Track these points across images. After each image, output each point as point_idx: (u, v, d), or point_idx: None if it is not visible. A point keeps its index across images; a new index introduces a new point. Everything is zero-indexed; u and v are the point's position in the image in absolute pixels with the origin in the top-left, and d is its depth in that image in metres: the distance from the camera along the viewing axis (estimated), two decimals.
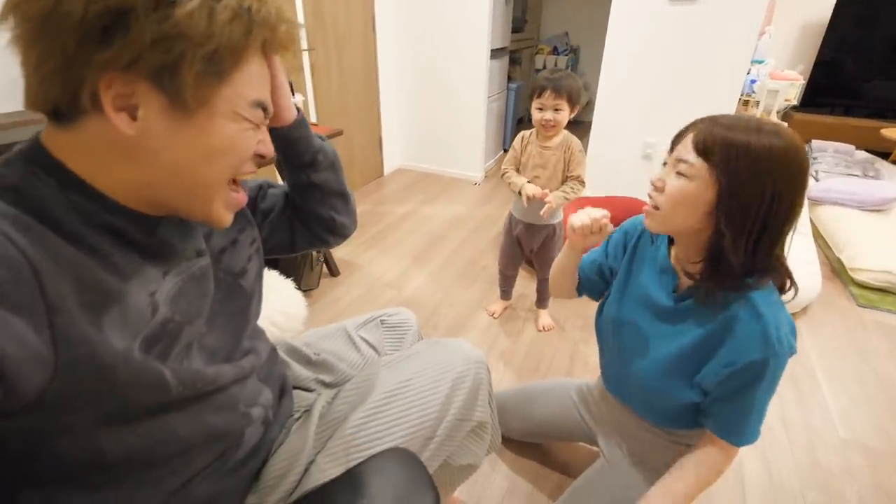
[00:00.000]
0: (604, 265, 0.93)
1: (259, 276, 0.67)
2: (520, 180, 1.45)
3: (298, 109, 0.66)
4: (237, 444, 0.58)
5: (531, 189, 1.41)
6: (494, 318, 1.80)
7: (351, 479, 0.61)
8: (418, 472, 0.65)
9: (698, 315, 0.74)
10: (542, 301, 1.76)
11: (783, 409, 1.41)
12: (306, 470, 0.64)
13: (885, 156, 3.23)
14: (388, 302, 1.89)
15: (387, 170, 3.30)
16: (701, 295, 0.72)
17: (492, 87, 3.07)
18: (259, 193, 0.73)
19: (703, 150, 0.64)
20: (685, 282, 0.77)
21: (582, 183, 1.43)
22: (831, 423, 1.37)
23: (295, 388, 0.78)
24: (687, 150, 0.66)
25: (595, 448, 1.07)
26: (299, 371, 0.80)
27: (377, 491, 0.59)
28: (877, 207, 2.37)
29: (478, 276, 2.07)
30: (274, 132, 0.63)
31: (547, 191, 1.40)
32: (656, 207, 0.71)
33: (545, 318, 1.76)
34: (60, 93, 0.39)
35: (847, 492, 1.16)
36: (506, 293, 1.82)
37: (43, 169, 0.41)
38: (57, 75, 0.38)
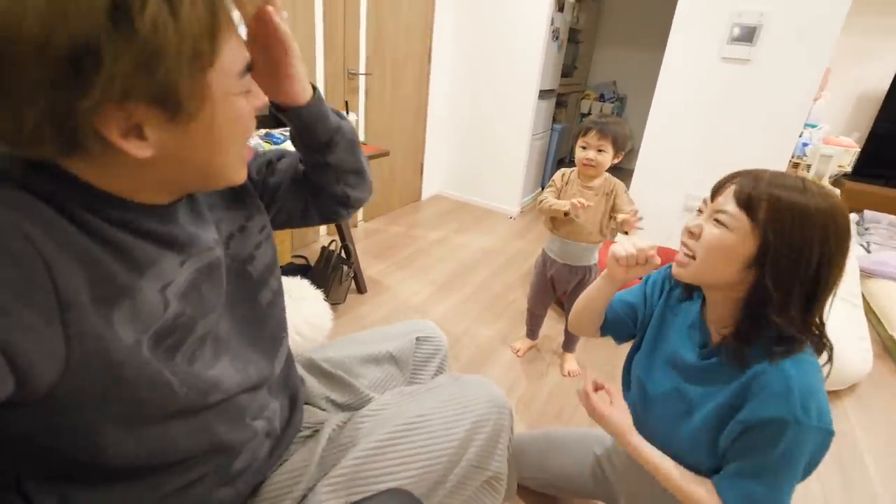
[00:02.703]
0: (638, 307, 0.88)
1: (270, 267, 0.64)
2: (562, 202, 1.39)
3: (314, 87, 0.62)
4: (235, 455, 0.57)
5: (580, 200, 1.33)
6: (518, 356, 1.75)
7: None
8: None
9: (724, 375, 0.70)
10: (569, 345, 1.71)
11: (826, 494, 1.30)
12: (305, 496, 0.61)
13: None
14: None
15: (424, 195, 3.35)
16: (728, 355, 0.68)
17: (537, 125, 3.11)
18: (268, 170, 0.69)
19: (745, 204, 0.63)
20: (714, 340, 0.73)
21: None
22: None
23: (307, 403, 0.76)
24: (728, 201, 0.65)
25: None
26: (314, 388, 0.78)
27: None
28: None
29: (504, 312, 2.04)
30: (287, 113, 0.61)
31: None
32: (692, 257, 0.69)
33: (571, 363, 1.70)
34: (54, 146, 0.35)
35: None
36: (532, 332, 1.78)
37: (45, 175, 0.38)
38: (41, 132, 0.34)
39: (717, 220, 0.65)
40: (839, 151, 2.35)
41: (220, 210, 0.57)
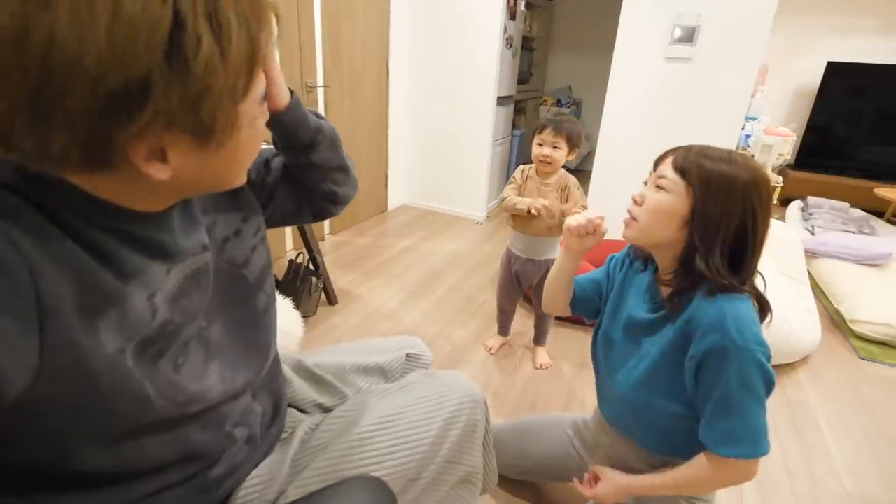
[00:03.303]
0: (603, 284, 0.96)
1: (266, 270, 0.63)
2: (525, 200, 1.44)
3: (291, 91, 0.62)
4: (212, 463, 0.56)
5: (542, 201, 1.39)
6: (491, 353, 1.78)
7: None
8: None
9: (670, 322, 0.77)
10: (539, 338, 1.75)
11: (786, 458, 1.36)
12: (276, 499, 0.60)
13: (879, 214, 3.29)
14: (384, 333, 1.87)
15: (391, 206, 3.36)
16: (671, 304, 0.76)
17: (497, 131, 3.19)
18: (265, 170, 0.69)
19: (681, 169, 0.73)
20: (663, 296, 0.80)
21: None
22: (836, 475, 1.31)
23: (293, 405, 0.75)
24: (668, 169, 0.75)
25: None
26: (302, 390, 0.77)
27: None
28: (873, 262, 2.39)
29: (476, 312, 2.06)
30: (269, 119, 0.60)
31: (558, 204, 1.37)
32: (634, 219, 0.77)
33: (542, 355, 1.74)
34: (76, 166, 0.35)
35: None
36: (503, 329, 1.81)
37: (39, 182, 0.37)
38: (68, 153, 0.34)
39: (658, 186, 0.75)
40: (779, 141, 2.50)
41: (214, 213, 0.56)
